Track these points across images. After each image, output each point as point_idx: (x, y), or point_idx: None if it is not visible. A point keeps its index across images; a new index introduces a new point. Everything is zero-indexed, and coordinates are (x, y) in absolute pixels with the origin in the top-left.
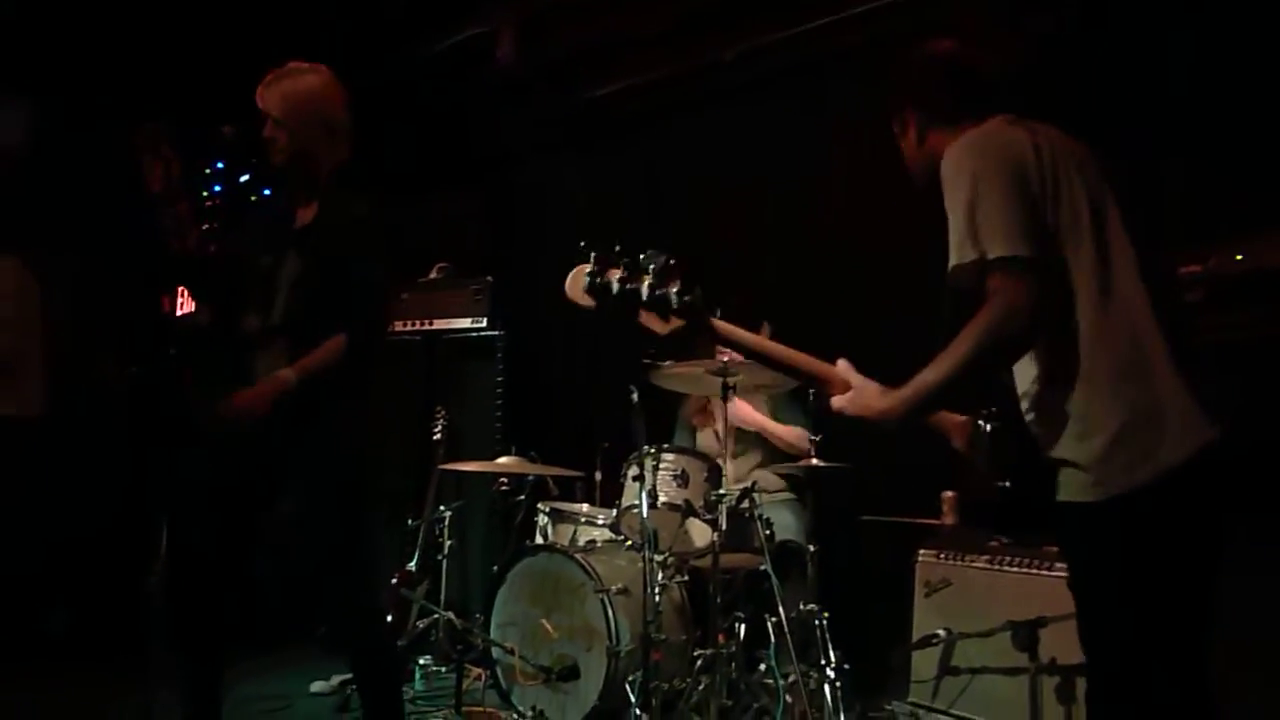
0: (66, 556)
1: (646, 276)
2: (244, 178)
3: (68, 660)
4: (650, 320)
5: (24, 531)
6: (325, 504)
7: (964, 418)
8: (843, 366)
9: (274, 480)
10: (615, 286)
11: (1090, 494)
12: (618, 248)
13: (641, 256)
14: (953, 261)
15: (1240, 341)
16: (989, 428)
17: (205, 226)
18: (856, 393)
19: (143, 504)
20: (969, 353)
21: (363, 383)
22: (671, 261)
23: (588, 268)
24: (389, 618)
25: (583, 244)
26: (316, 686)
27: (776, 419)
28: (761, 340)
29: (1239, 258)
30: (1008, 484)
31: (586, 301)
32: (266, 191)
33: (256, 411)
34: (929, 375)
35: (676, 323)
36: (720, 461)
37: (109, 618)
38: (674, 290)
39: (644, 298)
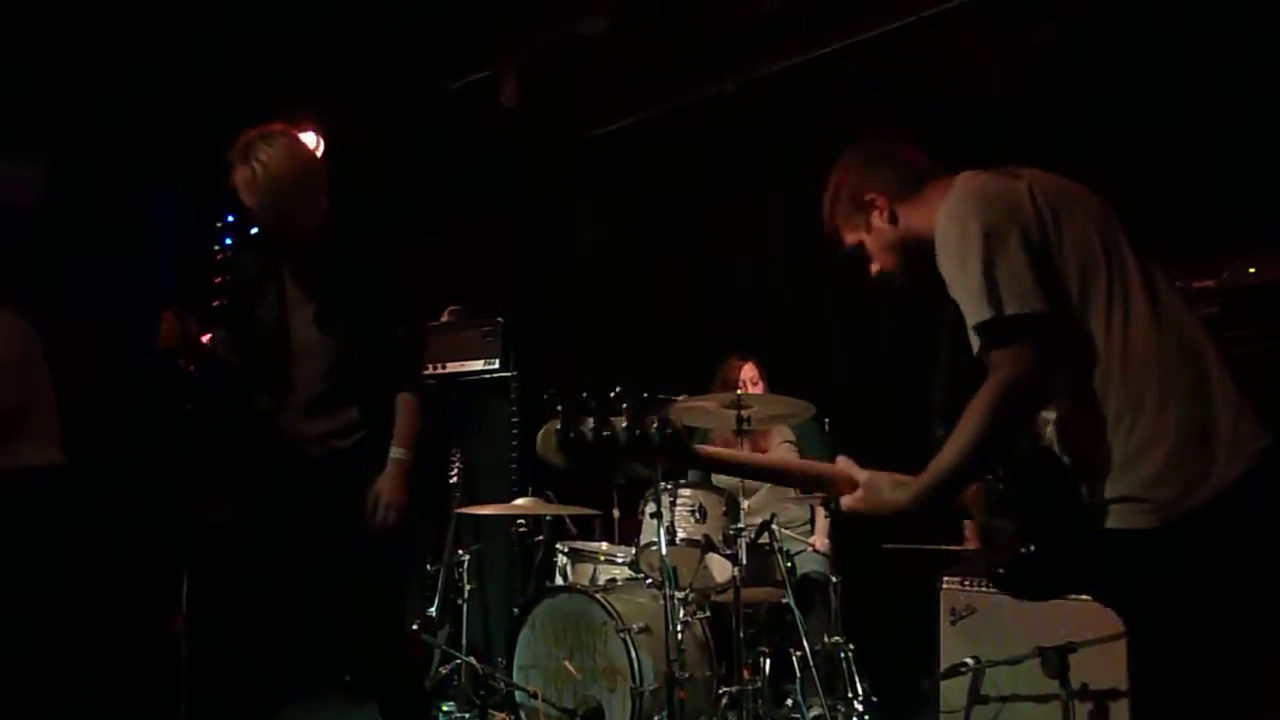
0: (89, 611)
1: (621, 418)
2: (254, 230)
3: (96, 716)
4: (633, 463)
5: (45, 586)
6: (371, 553)
7: (974, 484)
8: (843, 463)
9: (318, 530)
10: (589, 436)
11: (1147, 520)
12: (584, 395)
13: (612, 395)
14: (973, 320)
15: (1255, 354)
16: (1003, 489)
17: (217, 280)
18: (867, 490)
19: (163, 557)
20: (981, 430)
21: None
22: (645, 395)
23: (556, 424)
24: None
25: (546, 395)
26: None
27: (801, 449)
28: (750, 456)
29: (1251, 270)
30: (1032, 547)
31: (559, 460)
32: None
33: (404, 501)
34: (944, 460)
35: (661, 460)
36: (739, 495)
37: (134, 672)
38: (654, 427)
39: (623, 442)
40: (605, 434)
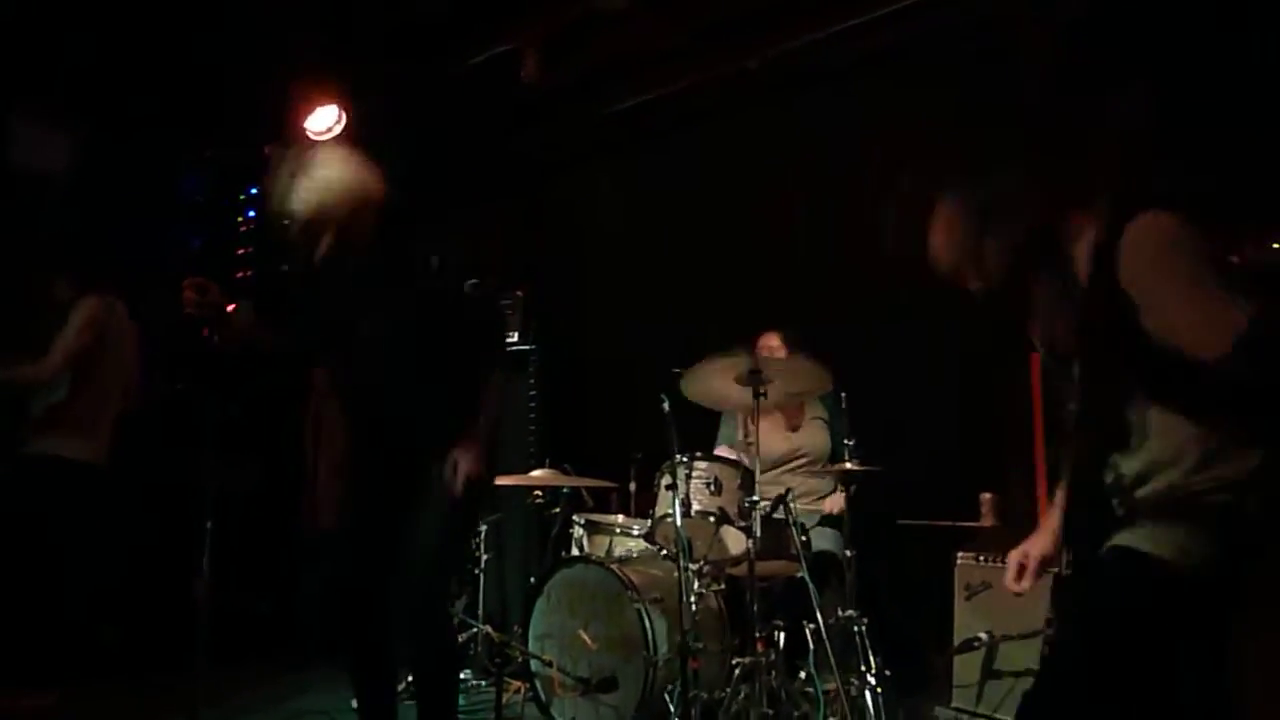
0: (116, 571)
1: None
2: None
3: (119, 674)
4: None
5: (79, 547)
6: (430, 521)
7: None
8: None
9: (401, 522)
10: None
11: (1184, 556)
12: None
13: None
14: (1197, 348)
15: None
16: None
17: (240, 252)
18: None
19: (190, 520)
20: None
21: None
22: None
23: None
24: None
25: None
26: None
27: (830, 424)
28: None
29: (1276, 246)
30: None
31: None
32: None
33: (477, 473)
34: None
35: None
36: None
37: (158, 631)
38: None
39: None
40: None
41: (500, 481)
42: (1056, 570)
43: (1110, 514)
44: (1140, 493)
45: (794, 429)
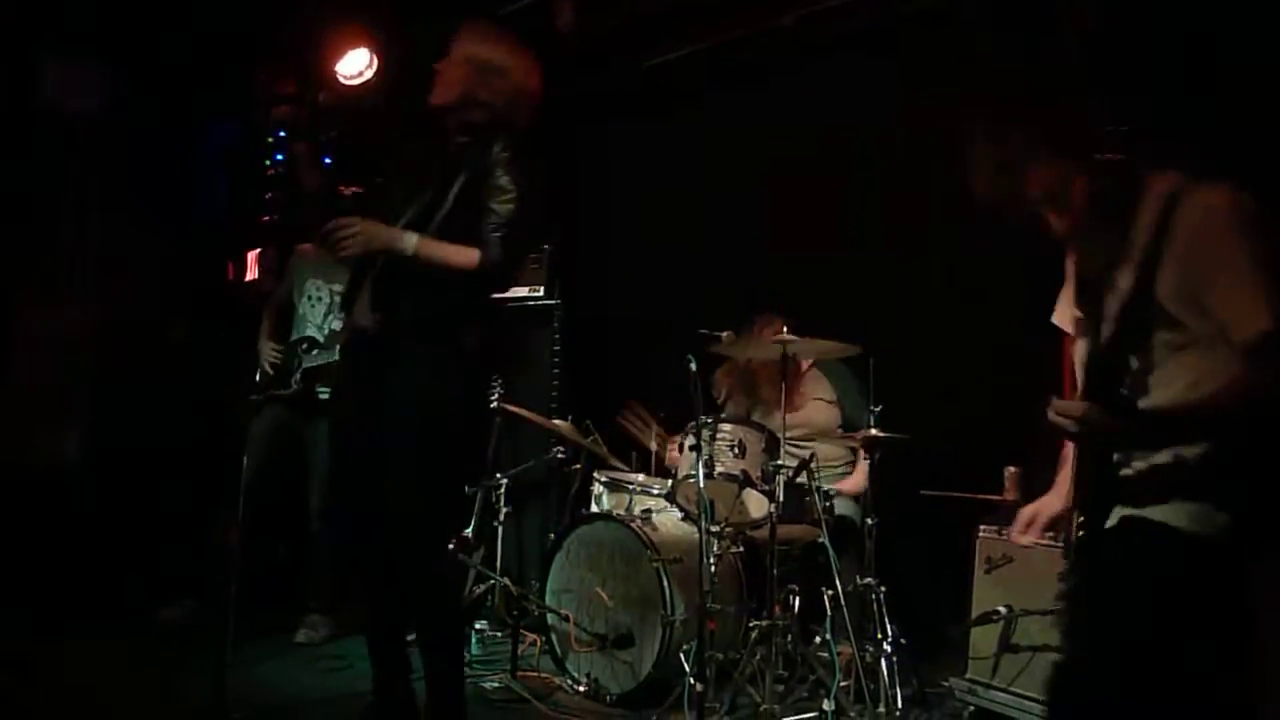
0: (141, 520)
1: None
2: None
3: (142, 625)
4: None
5: (102, 497)
6: (406, 456)
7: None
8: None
9: (373, 423)
10: None
11: (1200, 526)
12: None
13: None
14: (1250, 325)
15: None
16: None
17: (268, 196)
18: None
19: (214, 467)
20: (1223, 407)
21: (466, 327)
22: None
23: None
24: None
25: None
26: None
27: (841, 402)
28: None
29: None
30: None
31: None
32: (326, 160)
33: (362, 240)
34: (1172, 413)
35: None
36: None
37: (181, 581)
38: None
39: None
40: None
41: (521, 413)
42: (1069, 536)
43: (1118, 481)
44: (1153, 458)
45: (793, 410)
